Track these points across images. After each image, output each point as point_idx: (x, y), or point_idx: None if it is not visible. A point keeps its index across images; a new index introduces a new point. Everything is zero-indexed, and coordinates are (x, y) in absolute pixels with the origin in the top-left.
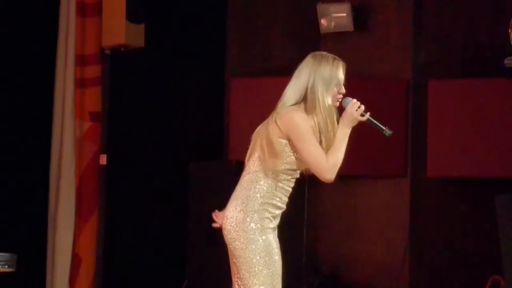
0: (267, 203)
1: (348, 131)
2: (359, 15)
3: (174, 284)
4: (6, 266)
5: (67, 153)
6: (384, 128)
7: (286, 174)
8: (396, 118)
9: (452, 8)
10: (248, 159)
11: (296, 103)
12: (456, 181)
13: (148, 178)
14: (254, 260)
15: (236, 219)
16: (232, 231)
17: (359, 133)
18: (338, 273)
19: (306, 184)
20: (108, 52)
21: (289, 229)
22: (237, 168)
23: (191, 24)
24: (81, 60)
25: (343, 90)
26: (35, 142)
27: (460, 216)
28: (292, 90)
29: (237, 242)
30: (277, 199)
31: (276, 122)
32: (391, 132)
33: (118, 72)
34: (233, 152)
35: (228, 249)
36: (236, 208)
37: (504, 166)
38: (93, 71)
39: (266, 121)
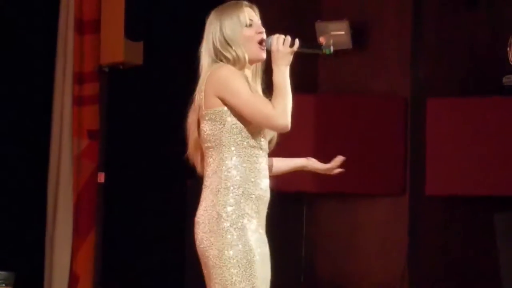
0: (243, 193)
1: (285, 70)
2: (358, 33)
3: None
4: (4, 285)
5: (65, 171)
6: (320, 48)
7: (246, 148)
8: (395, 136)
9: (451, 26)
10: (198, 157)
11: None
12: (455, 199)
13: (147, 196)
14: (231, 271)
15: (209, 223)
16: (204, 239)
17: (358, 151)
18: None
19: (305, 203)
20: (106, 69)
21: (288, 247)
22: None
23: (189, 42)
24: (79, 78)
25: (261, 29)
26: (32, 159)
27: (460, 234)
28: (204, 56)
29: (210, 251)
30: (251, 183)
31: (205, 92)
32: (330, 47)
33: (116, 89)
34: None
35: (201, 262)
36: (206, 210)
37: (503, 185)
38: (91, 88)
39: (192, 107)
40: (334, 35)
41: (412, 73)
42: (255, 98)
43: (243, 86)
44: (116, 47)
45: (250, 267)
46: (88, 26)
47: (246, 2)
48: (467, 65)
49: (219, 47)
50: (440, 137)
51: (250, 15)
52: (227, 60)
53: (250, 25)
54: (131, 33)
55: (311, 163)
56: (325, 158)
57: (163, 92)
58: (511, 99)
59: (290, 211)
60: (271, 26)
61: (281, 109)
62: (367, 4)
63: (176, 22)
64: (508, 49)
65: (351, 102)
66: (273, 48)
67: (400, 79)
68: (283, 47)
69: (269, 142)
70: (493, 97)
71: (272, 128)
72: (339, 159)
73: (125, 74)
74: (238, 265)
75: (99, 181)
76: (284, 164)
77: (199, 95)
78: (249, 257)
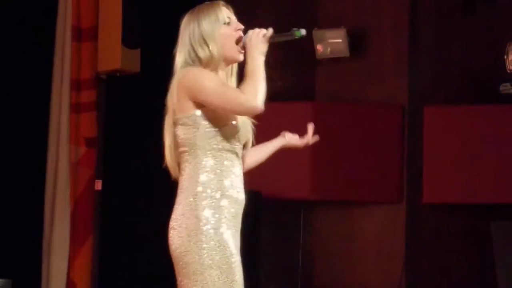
0: (221, 196)
1: (258, 58)
2: (355, 41)
3: None
4: None
5: (62, 178)
6: (292, 34)
7: (221, 152)
8: (392, 144)
9: (448, 34)
10: (176, 163)
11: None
12: (452, 207)
13: (144, 203)
14: (213, 276)
15: (186, 227)
16: (182, 245)
17: (355, 159)
18: None
19: (302, 210)
20: (103, 77)
21: (285, 254)
22: None
23: None
24: (76, 85)
25: (240, 26)
26: (30, 166)
27: (456, 242)
28: (179, 55)
29: (189, 257)
30: (229, 186)
31: (177, 97)
32: (301, 30)
33: (113, 97)
34: None
35: (176, 268)
36: (184, 214)
37: (500, 192)
38: (88, 96)
39: (167, 115)
40: (332, 43)
41: (409, 81)
42: (225, 88)
43: (211, 80)
44: (114, 54)
45: (232, 272)
46: (86, 34)
47: (222, 2)
48: (464, 73)
49: (195, 45)
50: (437, 145)
51: (228, 14)
52: (200, 60)
53: (228, 23)
54: (128, 40)
55: (288, 139)
56: (322, 166)
57: (160, 99)
58: (508, 107)
59: (287, 218)
60: None
61: (252, 92)
62: (364, 12)
63: (173, 30)
64: (505, 57)
65: (348, 110)
66: (247, 40)
67: (397, 87)
68: (255, 36)
69: (244, 146)
70: (490, 105)
71: (246, 113)
72: (311, 126)
73: (123, 82)
74: (220, 271)
75: (96, 188)
76: (264, 151)
77: (171, 100)
78: (229, 262)
